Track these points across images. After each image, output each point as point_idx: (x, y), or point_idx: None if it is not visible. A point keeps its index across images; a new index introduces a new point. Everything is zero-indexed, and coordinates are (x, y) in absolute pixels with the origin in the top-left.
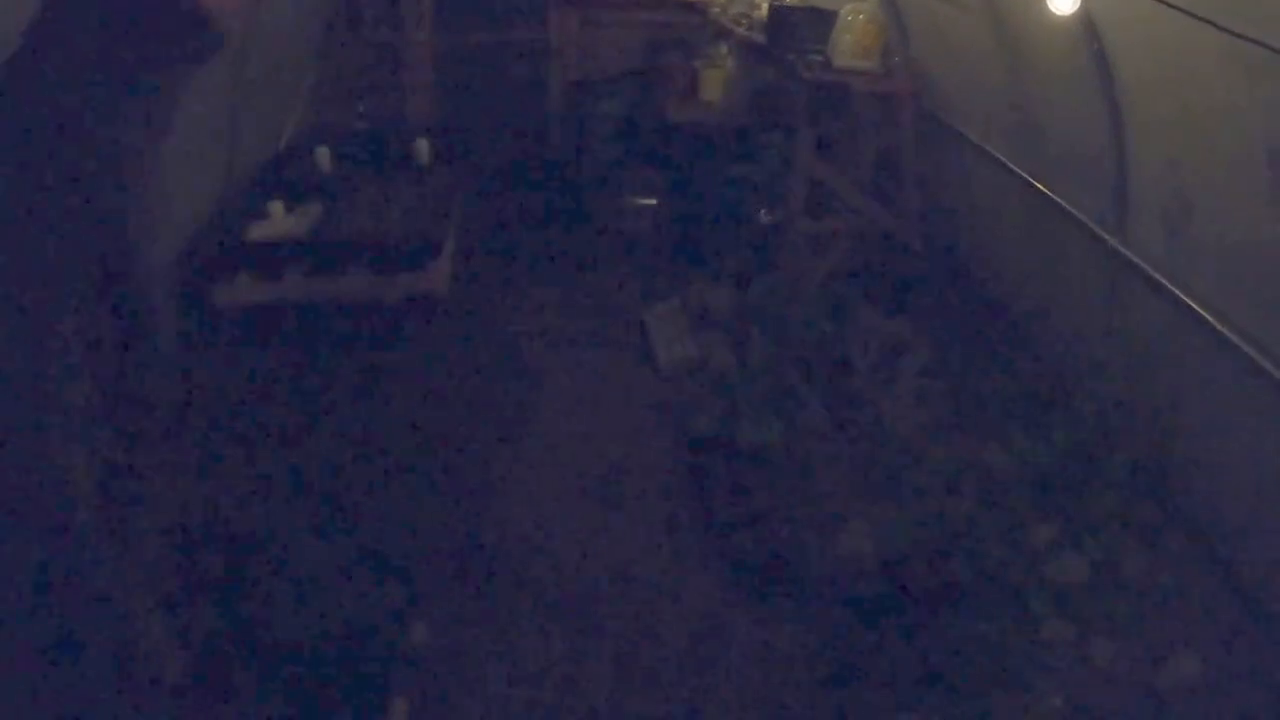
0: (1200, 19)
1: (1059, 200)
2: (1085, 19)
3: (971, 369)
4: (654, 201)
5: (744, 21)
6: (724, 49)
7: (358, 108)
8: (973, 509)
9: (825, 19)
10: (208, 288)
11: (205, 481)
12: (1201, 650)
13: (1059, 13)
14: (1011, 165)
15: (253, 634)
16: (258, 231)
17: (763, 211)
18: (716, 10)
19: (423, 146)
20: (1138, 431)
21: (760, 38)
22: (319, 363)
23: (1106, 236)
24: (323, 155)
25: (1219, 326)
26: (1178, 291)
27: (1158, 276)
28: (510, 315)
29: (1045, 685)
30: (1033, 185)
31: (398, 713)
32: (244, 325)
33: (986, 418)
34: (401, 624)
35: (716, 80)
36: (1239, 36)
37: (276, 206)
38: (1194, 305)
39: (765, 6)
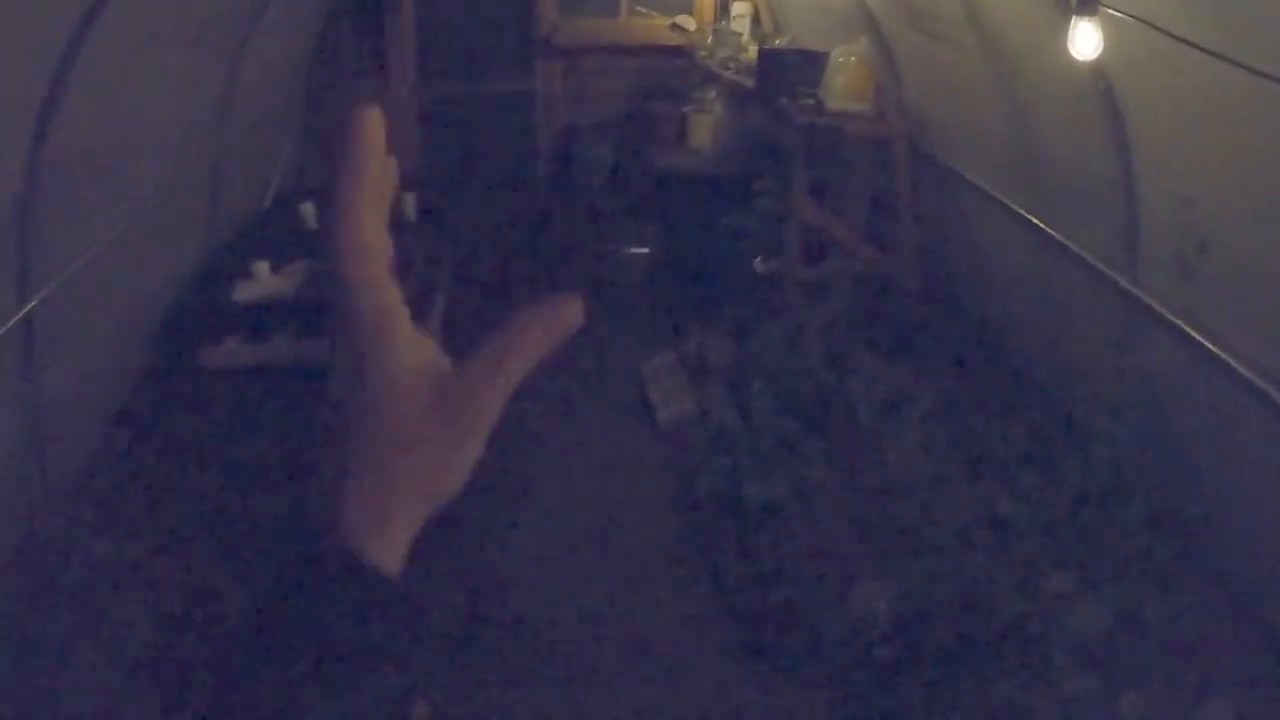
0: (1213, 54)
1: (1065, 241)
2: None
3: (979, 415)
4: (646, 250)
5: (732, 65)
6: (712, 94)
7: None
8: (987, 561)
9: (816, 61)
10: (195, 350)
11: (193, 556)
12: (1232, 696)
13: (1080, 58)
14: (1014, 206)
15: None
16: (244, 292)
17: (758, 259)
18: (703, 55)
19: (409, 201)
20: (1154, 474)
21: (749, 82)
22: (308, 428)
23: (1116, 277)
24: (307, 212)
25: (1236, 366)
26: (1192, 331)
27: (1171, 316)
28: None
29: None
30: (1037, 226)
31: (421, 714)
32: (232, 388)
33: (996, 465)
34: (403, 705)
35: (705, 125)
36: (1253, 71)
37: (262, 266)
38: (1209, 345)
39: (754, 50)
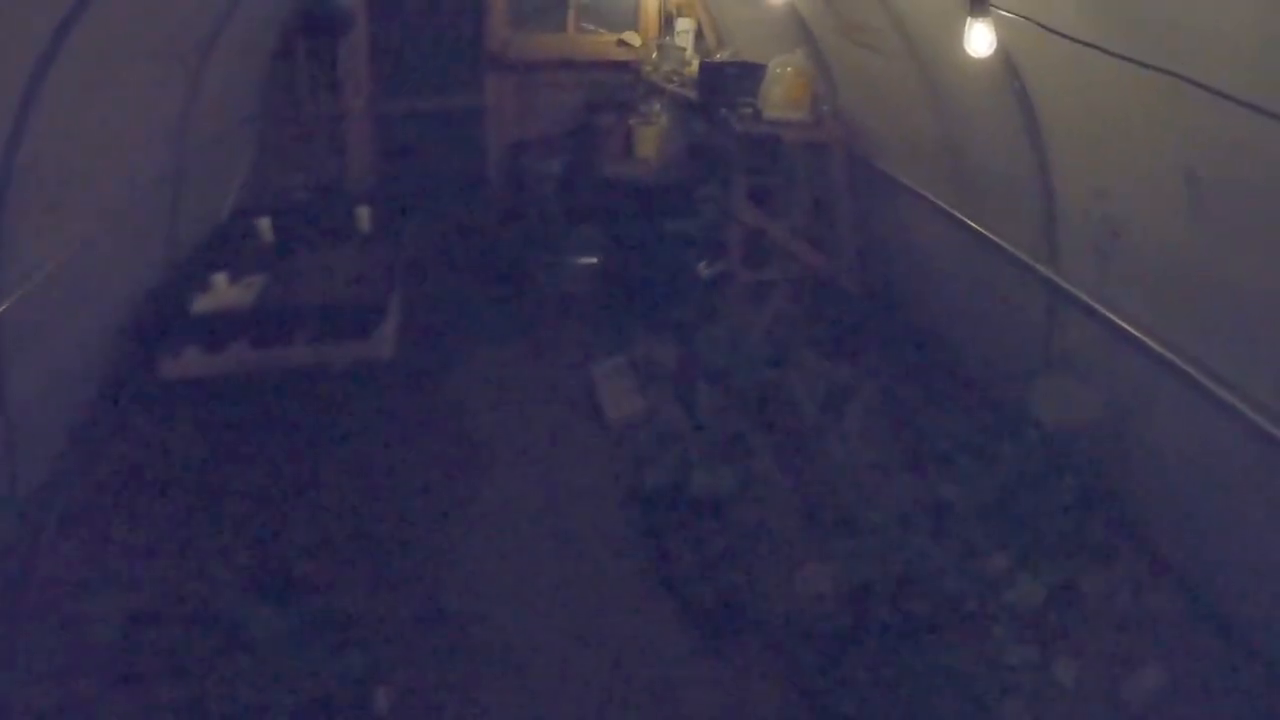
0: (1113, 54)
1: (992, 236)
2: (1005, 59)
3: (917, 406)
4: (595, 260)
5: (675, 78)
6: (657, 106)
7: (298, 177)
8: (928, 542)
9: (754, 73)
10: (153, 361)
11: (159, 556)
12: (1164, 662)
13: (976, 56)
14: (944, 205)
15: (214, 708)
16: (202, 303)
17: (702, 264)
18: (648, 69)
19: (364, 214)
20: (1083, 454)
21: (692, 93)
22: (267, 433)
23: (1039, 267)
24: (264, 226)
25: (1153, 345)
26: (1111, 315)
27: (1091, 302)
28: (458, 378)
29: (1012, 708)
30: (966, 224)
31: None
32: (190, 397)
33: (935, 452)
34: (363, 692)
35: (650, 137)
36: (1148, 67)
37: (220, 278)
38: (1127, 326)
39: (696, 63)
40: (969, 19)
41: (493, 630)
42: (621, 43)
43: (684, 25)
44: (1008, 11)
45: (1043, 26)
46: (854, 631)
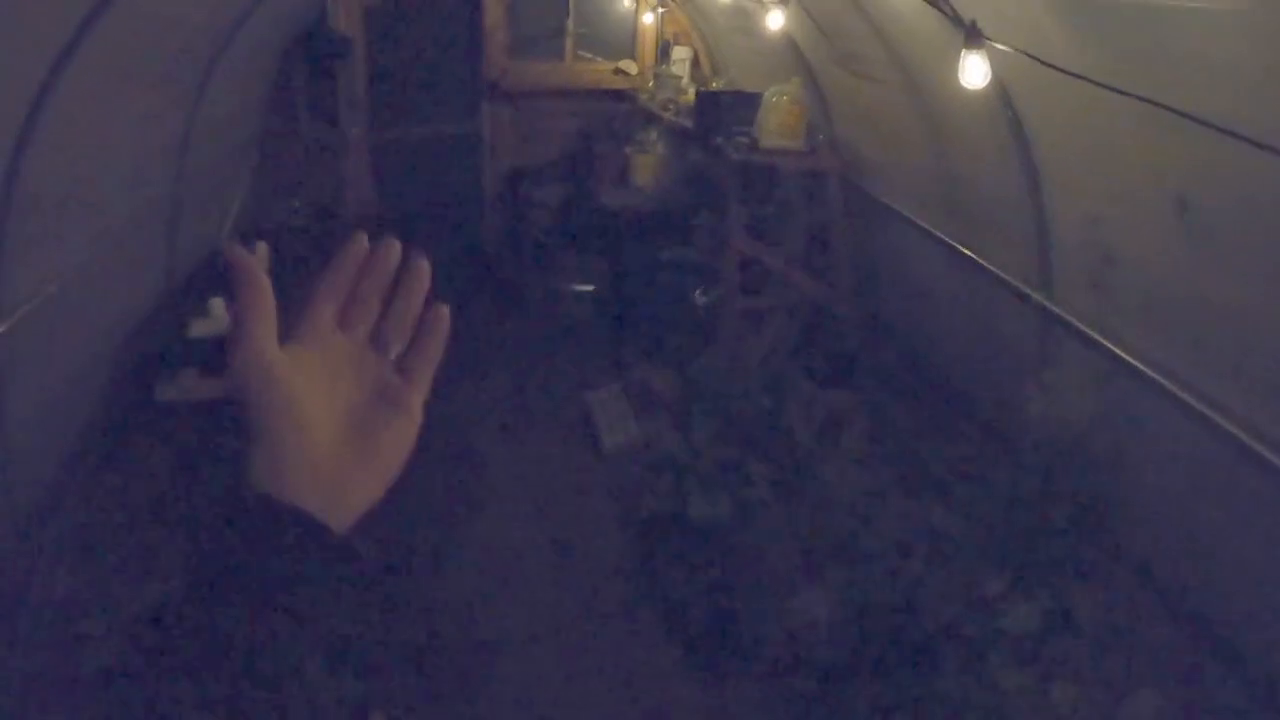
0: (1101, 85)
1: (986, 264)
2: (999, 88)
3: (913, 433)
4: (591, 287)
5: (671, 107)
6: (653, 134)
7: (295, 203)
8: (923, 568)
9: (750, 102)
10: (149, 384)
11: (155, 577)
12: (1159, 685)
13: (970, 87)
14: (938, 234)
15: None
16: (199, 328)
17: (698, 292)
18: (645, 97)
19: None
20: (1079, 479)
21: (688, 122)
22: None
23: (1033, 294)
24: (262, 250)
25: (1147, 371)
26: (1105, 341)
27: (1085, 329)
28: (455, 406)
29: None
30: (960, 251)
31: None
32: (187, 419)
33: (931, 479)
34: (361, 715)
35: (647, 165)
36: (1139, 98)
37: (217, 303)
38: (1121, 353)
39: (692, 92)
40: (963, 51)
41: (488, 655)
42: (618, 71)
43: (680, 54)
44: (1002, 45)
45: (1034, 58)
46: (850, 658)
